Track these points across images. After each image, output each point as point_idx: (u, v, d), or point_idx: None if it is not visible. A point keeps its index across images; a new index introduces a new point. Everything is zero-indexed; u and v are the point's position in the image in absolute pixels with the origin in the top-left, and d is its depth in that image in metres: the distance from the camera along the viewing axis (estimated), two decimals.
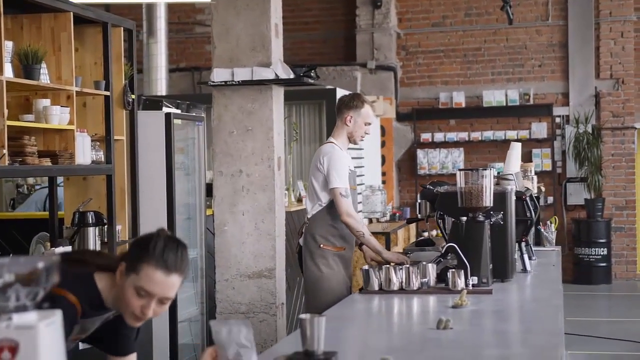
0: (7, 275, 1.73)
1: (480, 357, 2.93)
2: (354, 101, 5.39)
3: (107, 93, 5.58)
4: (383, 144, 12.53)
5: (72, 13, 5.18)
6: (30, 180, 8.77)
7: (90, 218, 5.44)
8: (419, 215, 5.21)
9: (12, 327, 1.69)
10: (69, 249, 5.18)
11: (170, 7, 12.74)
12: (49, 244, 5.46)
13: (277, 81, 5.76)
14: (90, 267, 2.74)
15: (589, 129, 12.60)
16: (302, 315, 2.74)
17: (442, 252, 4.47)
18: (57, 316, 1.75)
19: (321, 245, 5.26)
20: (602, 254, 12.45)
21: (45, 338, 1.70)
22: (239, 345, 2.52)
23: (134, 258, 2.63)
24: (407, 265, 4.34)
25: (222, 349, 2.52)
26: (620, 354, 8.29)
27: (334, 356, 2.77)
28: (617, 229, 12.79)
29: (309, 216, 5.39)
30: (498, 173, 5.35)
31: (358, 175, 10.32)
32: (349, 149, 5.50)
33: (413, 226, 11.64)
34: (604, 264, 12.49)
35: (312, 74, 6.02)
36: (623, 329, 9.42)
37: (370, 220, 10.37)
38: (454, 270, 4.26)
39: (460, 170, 4.47)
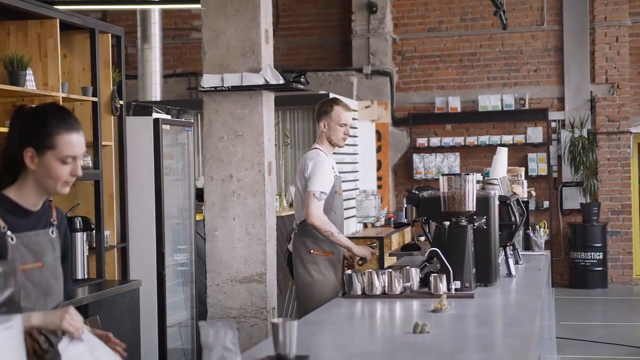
0: None
1: None
2: (323, 107, 5.51)
3: (95, 99, 5.61)
4: (379, 149, 12.55)
5: (58, 20, 5.21)
6: None
7: (78, 223, 5.45)
8: (405, 219, 5.24)
9: None
10: None
11: (167, 13, 12.77)
12: None
13: (267, 86, 5.79)
14: None
15: (585, 134, 12.61)
16: (274, 320, 2.77)
17: (426, 256, 4.48)
18: (15, 321, 1.77)
19: (311, 251, 5.33)
20: (597, 258, 12.45)
21: (3, 341, 1.72)
22: (225, 348, 2.56)
23: (41, 138, 2.74)
24: (390, 270, 4.36)
25: (207, 351, 2.56)
26: (615, 357, 8.29)
27: None
28: (613, 233, 12.79)
29: (297, 222, 5.45)
30: (483, 177, 5.36)
31: (353, 180, 10.43)
32: (335, 153, 5.57)
33: (408, 230, 11.65)
34: (599, 268, 12.49)
35: (301, 79, 6.04)
36: (618, 333, 9.42)
37: (365, 225, 10.39)
38: (436, 274, 4.28)
39: (443, 175, 4.49)
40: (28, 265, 2.73)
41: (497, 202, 4.72)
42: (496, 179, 5.19)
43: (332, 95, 10.20)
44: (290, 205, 8.35)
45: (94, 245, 5.65)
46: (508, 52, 13.15)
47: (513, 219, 5.03)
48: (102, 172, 5.72)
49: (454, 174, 4.47)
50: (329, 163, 5.37)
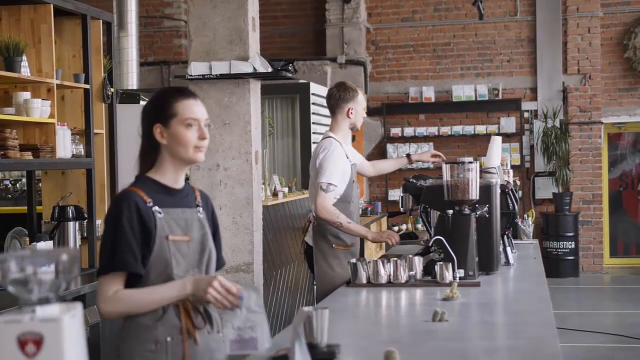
0: (30, 267, 1.71)
1: (483, 348, 2.95)
2: (349, 92, 5.29)
3: (87, 86, 5.52)
4: (353, 139, 12.47)
5: (52, 5, 5.11)
6: (14, 173, 8.65)
7: (71, 212, 5.37)
8: (401, 208, 5.21)
9: (36, 320, 1.67)
10: (50, 243, 5.12)
11: (139, 1, 12.61)
12: (27, 239, 5.38)
13: (255, 75, 5.73)
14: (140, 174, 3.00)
15: (557, 124, 12.71)
16: (306, 308, 2.74)
17: (429, 245, 4.47)
18: (78, 309, 1.73)
19: (333, 246, 5.17)
20: (569, 247, 12.59)
21: (70, 330, 1.68)
22: (249, 310, 2.56)
23: (163, 111, 2.90)
24: (395, 259, 4.34)
25: (229, 315, 2.58)
26: (590, 345, 8.38)
27: (337, 348, 2.78)
28: (585, 222, 12.93)
29: (314, 215, 5.19)
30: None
31: None
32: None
33: (384, 220, 11.68)
34: (571, 257, 12.62)
35: (289, 68, 6.00)
36: (591, 321, 9.53)
37: None
38: (442, 263, 4.27)
39: (446, 163, 4.48)
40: (177, 237, 2.86)
41: (498, 191, 4.73)
42: (494, 168, 5.20)
43: (312, 84, 10.20)
44: (274, 194, 8.31)
45: (86, 234, 5.56)
46: (481, 43, 13.21)
47: (511, 207, 5.05)
48: (94, 160, 5.63)
49: (457, 162, 4.46)
50: (342, 152, 5.16)
